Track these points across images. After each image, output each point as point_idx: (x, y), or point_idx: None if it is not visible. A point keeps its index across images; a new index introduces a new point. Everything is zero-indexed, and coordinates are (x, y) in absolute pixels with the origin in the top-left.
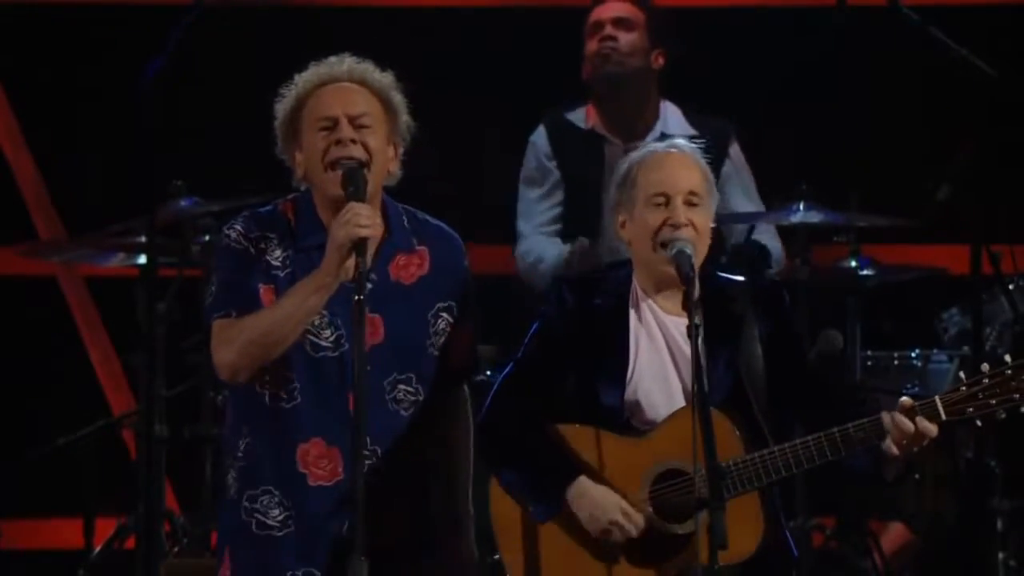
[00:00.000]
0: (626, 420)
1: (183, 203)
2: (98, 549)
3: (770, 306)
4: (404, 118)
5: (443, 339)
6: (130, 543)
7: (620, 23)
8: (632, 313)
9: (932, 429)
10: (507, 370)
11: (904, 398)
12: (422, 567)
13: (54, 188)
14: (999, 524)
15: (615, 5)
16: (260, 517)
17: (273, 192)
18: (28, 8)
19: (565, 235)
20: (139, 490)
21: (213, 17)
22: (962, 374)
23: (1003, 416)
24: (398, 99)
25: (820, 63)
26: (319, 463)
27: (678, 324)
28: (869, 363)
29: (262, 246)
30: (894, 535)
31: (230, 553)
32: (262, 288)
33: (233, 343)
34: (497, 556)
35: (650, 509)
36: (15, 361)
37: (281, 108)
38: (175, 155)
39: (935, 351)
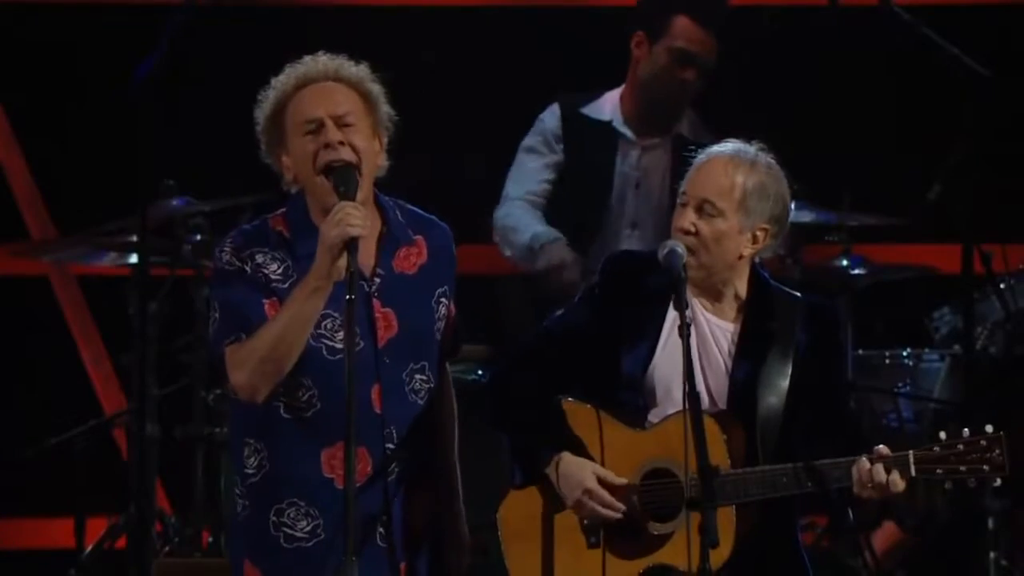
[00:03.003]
0: (642, 405)
1: (175, 202)
2: (89, 549)
3: (817, 327)
4: (384, 108)
5: (443, 324)
6: (121, 543)
7: (700, 68)
8: (673, 307)
9: (900, 484)
10: (539, 330)
11: (880, 446)
12: (438, 550)
13: (46, 188)
14: (990, 523)
15: (706, 41)
16: (288, 531)
17: (265, 191)
18: (19, 7)
19: (567, 224)
20: (130, 490)
21: (205, 16)
22: (943, 434)
23: (973, 484)
24: (376, 90)
25: (812, 62)
26: None
27: (714, 326)
28: (860, 362)
29: (257, 261)
30: (886, 534)
31: (257, 569)
32: (265, 303)
33: (246, 365)
34: (481, 560)
35: (637, 501)
36: (7, 360)
37: (262, 113)
38: (167, 154)
39: (926, 350)
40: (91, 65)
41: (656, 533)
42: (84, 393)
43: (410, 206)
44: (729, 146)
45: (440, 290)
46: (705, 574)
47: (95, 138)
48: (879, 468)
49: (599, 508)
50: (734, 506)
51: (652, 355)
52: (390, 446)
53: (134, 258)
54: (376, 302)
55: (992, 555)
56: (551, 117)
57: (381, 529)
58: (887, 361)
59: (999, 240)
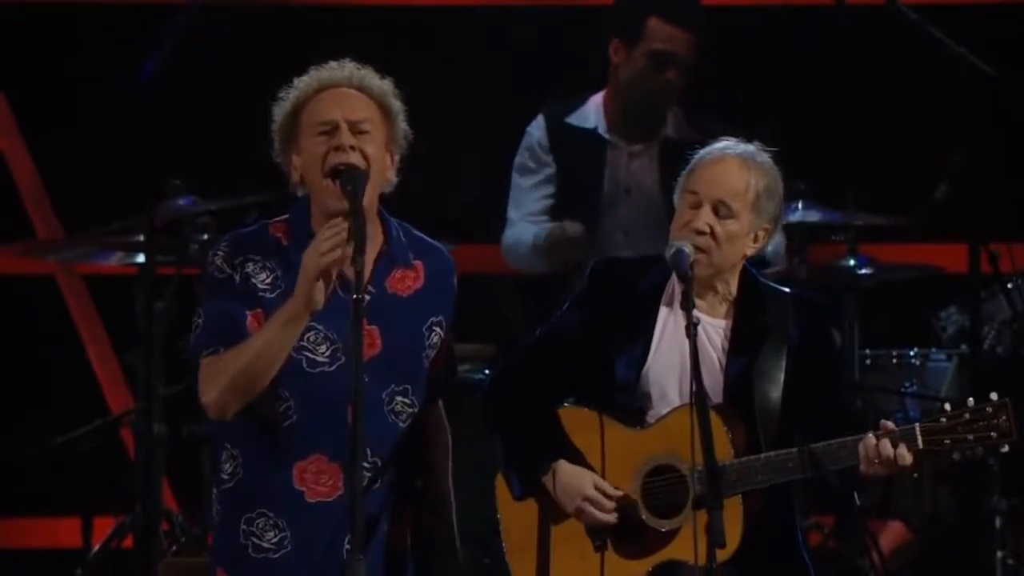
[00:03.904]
0: (638, 408)
1: (181, 202)
2: (96, 548)
3: (809, 322)
4: (402, 126)
5: (435, 353)
6: (128, 542)
7: (681, 66)
8: (664, 306)
9: (907, 456)
10: (531, 340)
11: (885, 421)
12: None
13: (52, 187)
14: (997, 522)
15: (681, 38)
16: (256, 540)
17: (271, 191)
18: (26, 7)
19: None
20: (137, 489)
21: (210, 15)
22: (947, 406)
23: (981, 453)
24: (397, 106)
25: (818, 61)
26: (319, 479)
27: (706, 323)
28: (867, 362)
29: (247, 270)
30: (892, 534)
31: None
32: (249, 316)
33: (218, 383)
34: (488, 561)
35: (640, 500)
36: (13, 360)
37: (279, 111)
38: (173, 153)
39: (933, 350)
40: (97, 64)
41: (663, 530)
42: (91, 392)
43: (416, 231)
44: (737, 146)
45: (434, 318)
46: (712, 574)
47: (101, 137)
48: (886, 442)
49: (599, 515)
50: (741, 496)
51: (646, 358)
52: (364, 464)
53: (140, 257)
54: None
55: (999, 554)
56: (537, 129)
57: (348, 547)
58: (894, 361)
59: (1006, 239)
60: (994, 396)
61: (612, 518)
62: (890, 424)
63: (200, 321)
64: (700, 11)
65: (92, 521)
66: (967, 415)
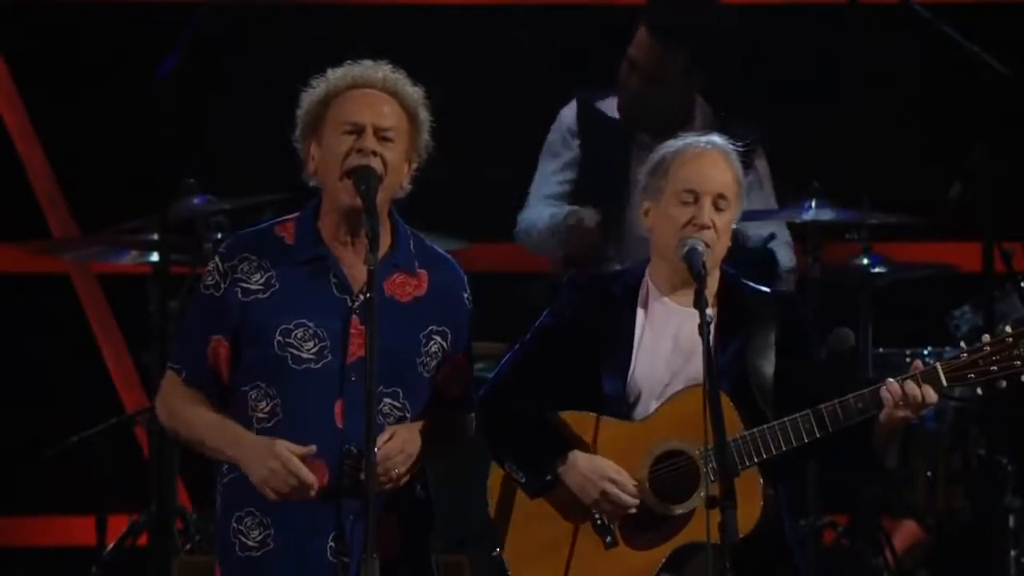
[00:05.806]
0: (627, 411)
1: (195, 201)
2: (111, 546)
3: (788, 316)
4: (425, 136)
5: (435, 363)
6: (143, 540)
7: (644, 78)
8: (640, 308)
9: (933, 396)
10: (514, 352)
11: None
12: None
13: (67, 186)
14: (1011, 522)
15: (650, 51)
16: (242, 539)
17: (285, 190)
18: (41, 6)
19: None
20: (152, 487)
21: (226, 15)
22: (963, 343)
23: (1004, 385)
24: (424, 116)
25: (831, 60)
26: None
27: (689, 315)
28: (881, 360)
29: (238, 273)
30: (906, 533)
31: (220, 572)
32: (213, 341)
33: (167, 411)
34: (497, 553)
35: (648, 489)
36: (28, 359)
37: (308, 99)
38: (187, 153)
39: (947, 349)
40: (112, 63)
41: (678, 513)
42: (105, 391)
43: (430, 243)
44: (708, 139)
45: (436, 328)
46: (725, 572)
47: (116, 136)
48: (911, 383)
49: (624, 497)
50: (758, 468)
51: (630, 362)
52: (349, 462)
53: (155, 256)
54: (355, 318)
55: (1013, 553)
56: (568, 112)
57: (332, 544)
58: (907, 360)
59: (1020, 238)
60: (1009, 328)
61: (636, 501)
62: (916, 364)
63: (182, 325)
64: (682, 30)
65: (106, 519)
66: (988, 347)
